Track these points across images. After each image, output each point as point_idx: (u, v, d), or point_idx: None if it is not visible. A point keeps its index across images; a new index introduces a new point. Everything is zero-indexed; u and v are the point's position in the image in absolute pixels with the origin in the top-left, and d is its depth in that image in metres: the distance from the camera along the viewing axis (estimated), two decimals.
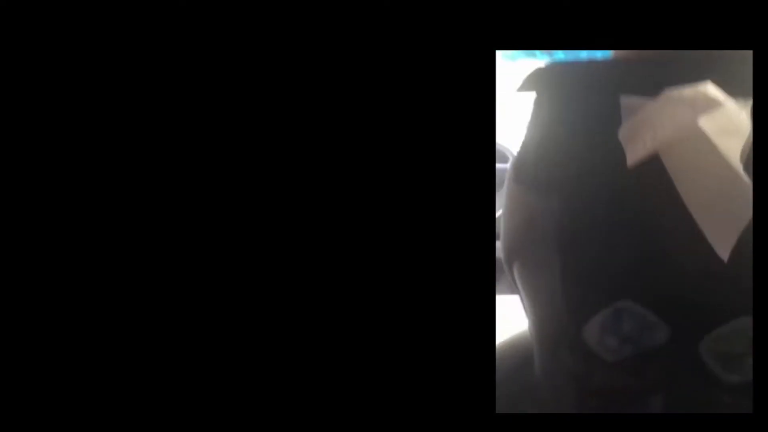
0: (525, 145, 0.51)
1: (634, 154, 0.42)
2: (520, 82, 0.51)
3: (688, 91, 0.41)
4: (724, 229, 0.41)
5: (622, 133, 0.43)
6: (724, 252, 0.41)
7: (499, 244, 0.55)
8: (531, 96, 0.51)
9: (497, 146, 1.16)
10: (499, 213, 0.56)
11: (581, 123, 0.47)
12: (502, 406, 0.49)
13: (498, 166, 0.90)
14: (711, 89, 0.41)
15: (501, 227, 0.54)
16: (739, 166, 0.40)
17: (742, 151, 0.41)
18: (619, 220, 0.45)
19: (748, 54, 0.44)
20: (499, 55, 0.50)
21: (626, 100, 0.45)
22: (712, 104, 0.40)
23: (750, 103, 0.42)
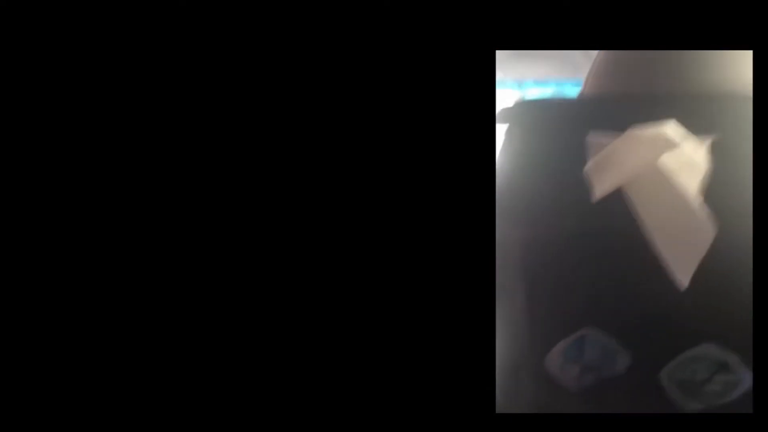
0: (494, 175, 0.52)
1: (599, 189, 0.45)
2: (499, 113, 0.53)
3: (650, 130, 0.44)
4: (684, 258, 0.44)
5: (588, 169, 0.46)
6: (684, 280, 0.43)
7: None
8: (503, 127, 0.52)
9: None
10: None
11: (549, 157, 0.50)
12: None
13: None
14: (672, 128, 0.44)
15: None
16: (696, 200, 0.43)
17: (700, 186, 0.44)
18: (583, 250, 0.47)
19: (717, 91, 0.46)
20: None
21: (592, 137, 0.47)
22: (672, 142, 0.43)
23: (708, 140, 0.44)
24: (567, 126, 0.49)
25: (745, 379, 0.43)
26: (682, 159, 0.44)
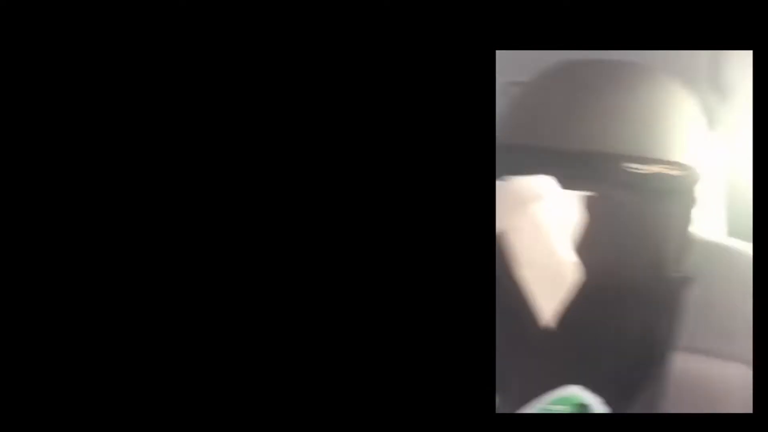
0: None
1: None
2: None
3: (522, 181, 0.49)
4: (550, 301, 0.48)
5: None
6: (550, 321, 0.48)
7: None
8: None
9: None
10: None
11: None
12: None
13: None
14: (542, 182, 0.49)
15: None
16: (563, 247, 0.48)
17: (570, 236, 0.48)
18: None
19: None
20: None
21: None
22: (539, 195, 0.48)
23: (582, 195, 0.49)
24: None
25: None
26: (554, 210, 0.48)
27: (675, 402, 0.46)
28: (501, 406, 0.49)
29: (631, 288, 0.49)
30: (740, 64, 0.62)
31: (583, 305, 0.48)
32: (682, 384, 0.46)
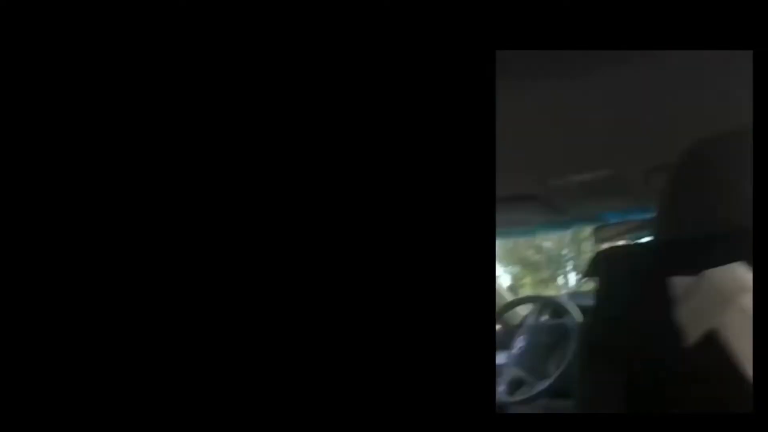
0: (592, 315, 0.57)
1: (694, 334, 0.47)
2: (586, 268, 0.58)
3: (726, 272, 0.47)
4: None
5: (683, 315, 0.48)
6: None
7: None
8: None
9: (558, 300, 1.21)
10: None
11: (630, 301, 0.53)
12: None
13: (557, 321, 1.07)
14: (743, 271, 0.47)
15: None
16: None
17: None
18: None
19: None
20: None
21: (677, 281, 0.50)
22: (747, 284, 0.47)
23: None
24: (649, 270, 0.52)
25: None
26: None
27: None
28: None
29: None
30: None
31: None
32: None
